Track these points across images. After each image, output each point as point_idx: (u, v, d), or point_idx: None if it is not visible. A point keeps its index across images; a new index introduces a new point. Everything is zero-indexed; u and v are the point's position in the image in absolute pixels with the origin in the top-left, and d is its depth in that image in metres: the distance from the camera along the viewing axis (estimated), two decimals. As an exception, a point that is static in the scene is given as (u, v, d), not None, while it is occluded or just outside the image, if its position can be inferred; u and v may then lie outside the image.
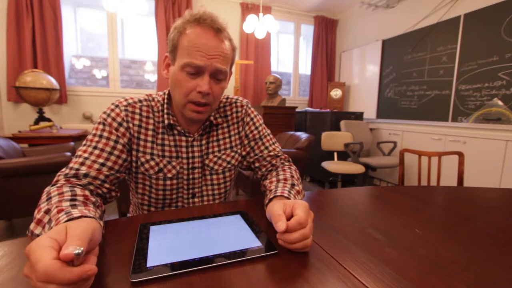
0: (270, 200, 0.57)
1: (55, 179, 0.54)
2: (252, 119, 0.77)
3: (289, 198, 0.57)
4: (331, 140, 2.79)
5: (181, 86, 0.61)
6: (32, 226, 0.43)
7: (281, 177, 0.66)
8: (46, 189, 0.51)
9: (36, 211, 0.45)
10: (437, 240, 0.49)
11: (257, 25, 2.89)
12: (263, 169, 0.76)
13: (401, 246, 0.47)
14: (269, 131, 0.80)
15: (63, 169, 0.55)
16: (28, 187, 1.50)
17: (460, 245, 0.48)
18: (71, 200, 0.46)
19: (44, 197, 0.48)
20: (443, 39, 2.64)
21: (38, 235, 0.41)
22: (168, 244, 0.44)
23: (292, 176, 0.68)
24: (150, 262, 0.38)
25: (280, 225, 0.42)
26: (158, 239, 0.46)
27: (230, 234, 0.48)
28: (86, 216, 0.41)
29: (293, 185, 0.63)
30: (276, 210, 0.46)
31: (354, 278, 0.37)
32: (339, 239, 0.48)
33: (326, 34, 4.07)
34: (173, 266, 0.38)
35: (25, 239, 0.46)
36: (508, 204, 0.74)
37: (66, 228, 0.35)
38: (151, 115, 0.66)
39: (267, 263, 0.40)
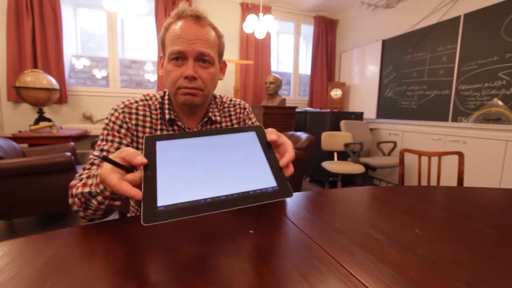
0: None
1: (75, 177, 0.61)
2: (253, 123, 0.83)
3: None
4: (331, 140, 2.79)
5: (169, 76, 0.64)
6: (79, 190, 0.53)
7: None
8: (71, 183, 0.59)
9: (74, 190, 0.55)
10: (437, 240, 0.49)
11: (257, 25, 2.89)
12: None
13: (401, 246, 0.47)
14: None
15: (81, 170, 0.63)
16: (28, 187, 1.50)
17: (460, 245, 0.48)
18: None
19: (76, 181, 0.57)
20: (443, 39, 2.64)
21: (89, 191, 0.51)
22: (177, 177, 0.41)
23: None
24: (161, 202, 0.37)
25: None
26: (166, 164, 0.42)
27: (244, 167, 0.44)
28: None
29: None
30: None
31: (354, 278, 0.37)
32: (339, 239, 0.48)
33: (326, 34, 4.07)
34: (184, 209, 0.36)
35: (25, 239, 0.46)
36: (508, 204, 0.74)
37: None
38: (148, 113, 0.69)
39: (267, 262, 0.40)
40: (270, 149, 0.47)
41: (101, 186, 0.49)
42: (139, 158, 0.41)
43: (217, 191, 0.39)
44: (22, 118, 2.82)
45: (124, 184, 0.40)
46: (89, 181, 0.53)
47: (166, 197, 0.37)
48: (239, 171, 0.43)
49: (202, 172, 0.42)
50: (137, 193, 0.39)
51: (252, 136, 0.49)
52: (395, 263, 0.41)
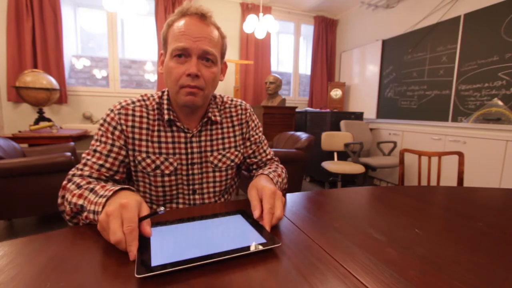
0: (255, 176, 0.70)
1: (68, 177, 0.60)
2: (256, 124, 0.82)
3: (269, 175, 0.69)
4: (331, 140, 2.79)
5: (171, 73, 0.63)
6: (74, 199, 0.53)
7: (266, 167, 0.79)
8: (64, 183, 0.59)
9: (69, 196, 0.55)
10: (437, 240, 0.49)
11: (257, 25, 2.89)
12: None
13: (401, 246, 0.47)
14: (264, 136, 0.87)
15: (73, 169, 0.62)
16: (28, 187, 1.50)
17: (460, 245, 0.48)
18: (105, 181, 0.62)
19: (72, 186, 0.56)
20: (443, 39, 2.64)
21: (81, 205, 0.52)
22: (170, 245, 0.43)
23: (276, 167, 0.78)
24: (154, 262, 0.38)
25: (256, 213, 0.52)
26: (160, 240, 0.45)
27: (232, 234, 0.48)
28: (129, 189, 0.52)
29: (275, 171, 0.75)
30: (253, 201, 0.55)
31: (354, 278, 0.37)
32: (339, 239, 0.48)
33: (326, 34, 4.07)
34: (175, 263, 0.37)
35: (25, 239, 0.46)
36: (508, 204, 0.74)
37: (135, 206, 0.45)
38: (144, 114, 0.68)
39: (267, 262, 0.40)
40: (255, 220, 0.53)
41: (93, 207, 0.49)
42: (147, 228, 0.44)
43: (208, 250, 0.41)
44: (22, 118, 2.82)
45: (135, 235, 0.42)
46: (85, 194, 0.53)
47: (158, 258, 0.39)
48: (228, 236, 0.47)
49: (193, 241, 0.45)
50: (132, 252, 0.40)
51: (238, 216, 0.55)
52: (395, 263, 0.41)
